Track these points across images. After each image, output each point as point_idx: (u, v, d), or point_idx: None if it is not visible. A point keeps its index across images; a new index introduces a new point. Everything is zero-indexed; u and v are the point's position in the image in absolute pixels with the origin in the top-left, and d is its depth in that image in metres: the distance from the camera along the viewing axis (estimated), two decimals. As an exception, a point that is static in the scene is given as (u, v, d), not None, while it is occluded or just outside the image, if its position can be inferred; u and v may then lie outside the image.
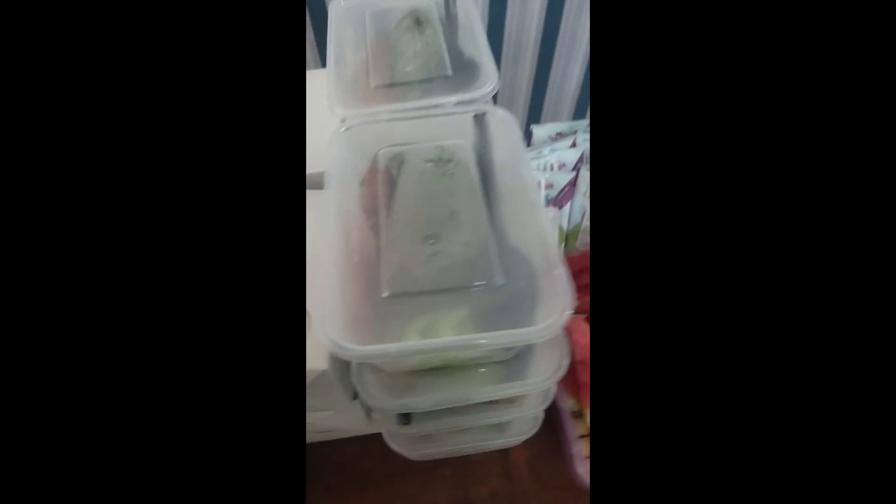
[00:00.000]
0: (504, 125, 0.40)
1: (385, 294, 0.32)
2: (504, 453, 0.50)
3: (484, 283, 0.32)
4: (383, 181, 0.38)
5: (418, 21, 0.48)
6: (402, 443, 0.42)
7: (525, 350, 0.36)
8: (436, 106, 0.41)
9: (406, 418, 0.36)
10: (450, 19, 0.48)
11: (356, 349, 0.27)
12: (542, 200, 0.36)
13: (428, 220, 0.36)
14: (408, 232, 0.35)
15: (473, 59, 0.44)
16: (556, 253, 0.30)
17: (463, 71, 0.43)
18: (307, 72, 0.46)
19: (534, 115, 1.38)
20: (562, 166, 0.60)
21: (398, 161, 0.39)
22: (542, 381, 0.33)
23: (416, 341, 0.29)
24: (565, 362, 0.33)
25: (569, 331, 0.47)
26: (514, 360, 0.35)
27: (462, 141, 0.40)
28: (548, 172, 0.59)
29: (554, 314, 0.27)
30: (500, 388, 0.33)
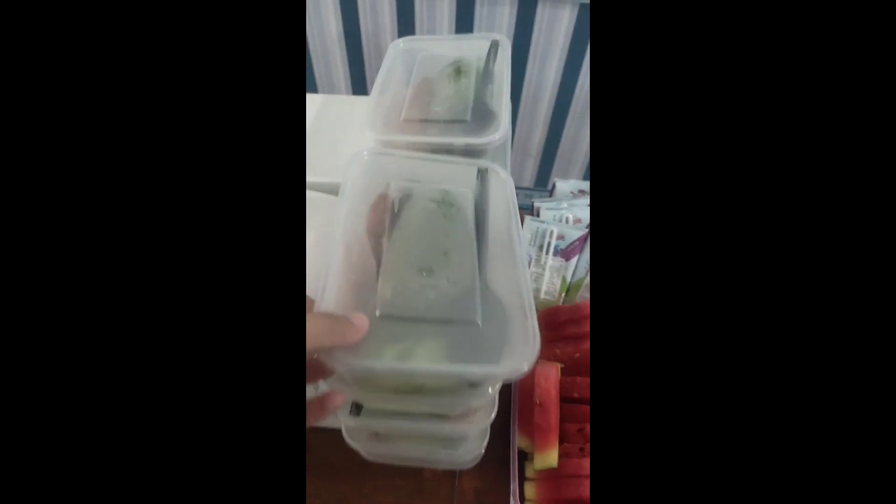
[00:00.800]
0: (503, 184, 0.45)
1: (378, 314, 0.34)
2: (454, 478, 0.53)
3: (465, 320, 0.35)
4: (389, 210, 0.41)
5: (458, 70, 0.53)
6: (357, 439, 0.45)
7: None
8: (448, 144, 0.45)
9: (357, 409, 0.39)
10: (486, 73, 0.53)
11: (337, 358, 0.30)
12: (525, 256, 0.38)
13: (424, 254, 0.39)
14: (405, 261, 0.38)
15: (492, 111, 0.49)
16: (531, 305, 0.34)
17: (480, 119, 0.48)
18: (351, 96, 0.51)
19: (544, 168, 1.45)
20: (577, 221, 0.64)
21: (406, 195, 0.43)
22: (487, 395, 0.36)
23: (391, 362, 0.32)
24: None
25: (534, 374, 0.51)
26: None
27: (465, 189, 0.45)
28: (562, 224, 0.63)
29: (521, 358, 0.31)
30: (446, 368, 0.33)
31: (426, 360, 0.32)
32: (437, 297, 0.36)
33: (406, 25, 1.19)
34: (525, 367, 0.30)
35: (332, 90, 1.32)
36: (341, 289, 0.35)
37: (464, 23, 1.17)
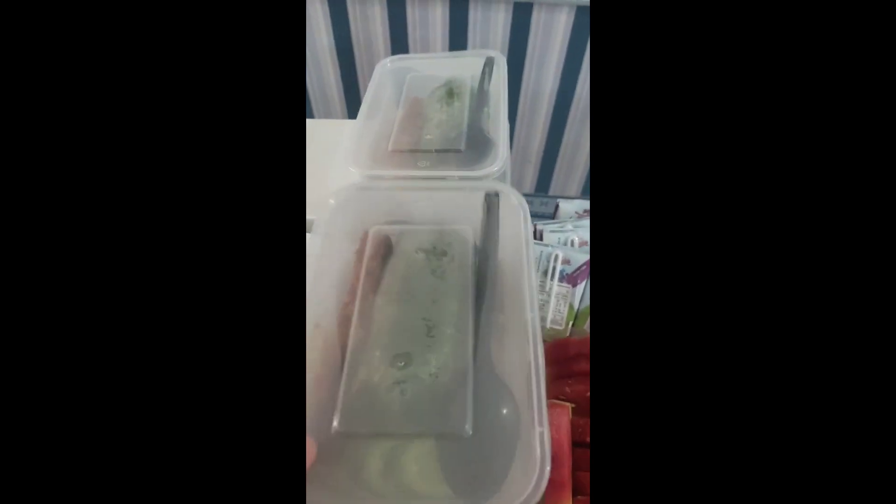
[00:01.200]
0: (514, 213, 0.35)
1: (334, 428, 0.27)
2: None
3: (449, 431, 0.27)
4: (368, 267, 0.34)
5: (450, 92, 0.50)
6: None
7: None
8: (440, 178, 0.39)
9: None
10: (481, 95, 0.49)
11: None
12: (538, 322, 0.29)
13: (403, 334, 0.30)
14: (378, 343, 0.30)
15: (489, 138, 0.45)
16: (543, 397, 0.26)
17: (476, 147, 0.44)
18: (338, 121, 0.48)
19: (544, 175, 1.41)
20: (583, 244, 0.60)
21: (388, 245, 0.35)
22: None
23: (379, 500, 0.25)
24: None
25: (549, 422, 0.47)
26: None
27: (465, 225, 0.36)
28: (567, 248, 0.59)
29: (526, 482, 0.23)
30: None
31: (416, 464, 0.26)
32: (417, 395, 0.28)
33: (398, 30, 1.15)
34: (537, 492, 0.23)
35: (324, 98, 1.29)
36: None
37: (457, 28, 1.13)
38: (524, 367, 0.27)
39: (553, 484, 0.44)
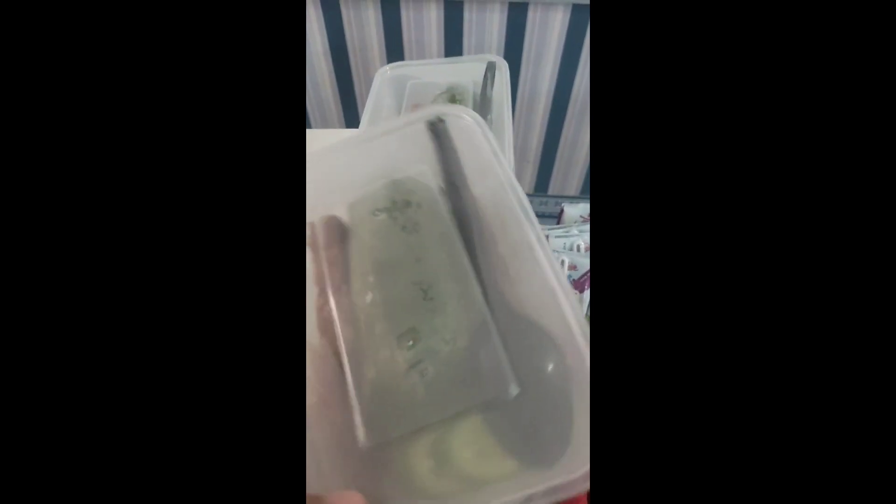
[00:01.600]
0: (473, 136, 0.28)
1: (360, 431, 0.23)
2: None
3: (492, 399, 0.23)
4: (328, 257, 0.28)
5: (453, 99, 0.49)
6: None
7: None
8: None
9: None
10: (483, 102, 0.49)
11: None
12: (544, 238, 0.24)
13: (397, 309, 0.25)
14: (374, 330, 0.25)
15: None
16: (581, 317, 0.22)
17: None
18: (337, 130, 0.47)
19: (543, 173, 1.41)
20: (589, 249, 0.60)
21: (340, 226, 0.29)
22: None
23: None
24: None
25: None
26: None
27: (423, 165, 0.29)
28: (573, 253, 0.58)
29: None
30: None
31: (469, 448, 0.22)
32: (439, 372, 0.23)
33: (393, 33, 1.15)
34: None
35: (320, 105, 1.28)
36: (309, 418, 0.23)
37: (453, 29, 1.13)
38: (547, 293, 0.23)
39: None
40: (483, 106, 0.48)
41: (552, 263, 0.23)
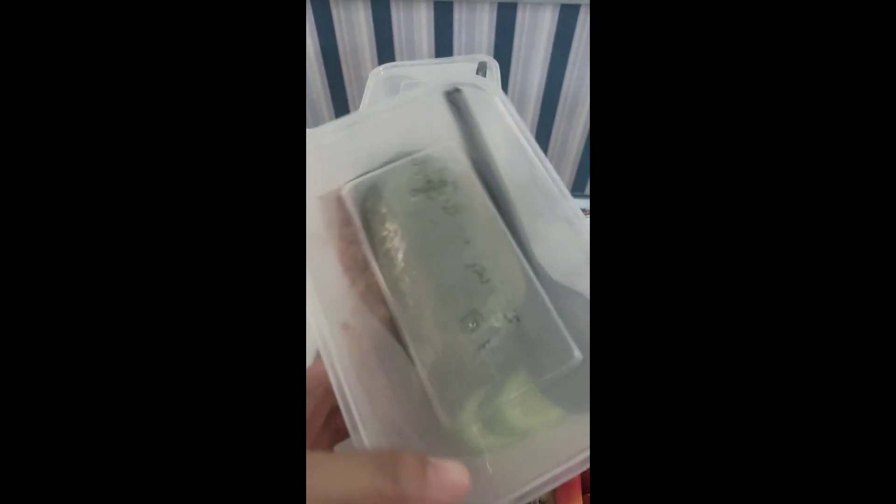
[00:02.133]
0: (493, 108, 0.28)
1: (440, 410, 0.23)
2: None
3: (561, 366, 0.23)
4: (346, 227, 0.27)
5: (445, 99, 0.50)
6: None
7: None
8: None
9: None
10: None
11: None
12: (584, 218, 0.26)
13: (454, 293, 0.25)
14: (428, 315, 0.25)
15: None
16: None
17: None
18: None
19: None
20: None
21: (373, 200, 0.27)
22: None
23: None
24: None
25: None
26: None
27: (449, 141, 0.28)
28: None
29: None
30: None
31: (520, 407, 0.23)
32: (505, 348, 0.24)
33: (384, 33, 1.15)
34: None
35: (311, 106, 1.28)
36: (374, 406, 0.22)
37: (443, 30, 1.14)
38: (582, 255, 0.24)
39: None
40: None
41: (580, 221, 0.25)
